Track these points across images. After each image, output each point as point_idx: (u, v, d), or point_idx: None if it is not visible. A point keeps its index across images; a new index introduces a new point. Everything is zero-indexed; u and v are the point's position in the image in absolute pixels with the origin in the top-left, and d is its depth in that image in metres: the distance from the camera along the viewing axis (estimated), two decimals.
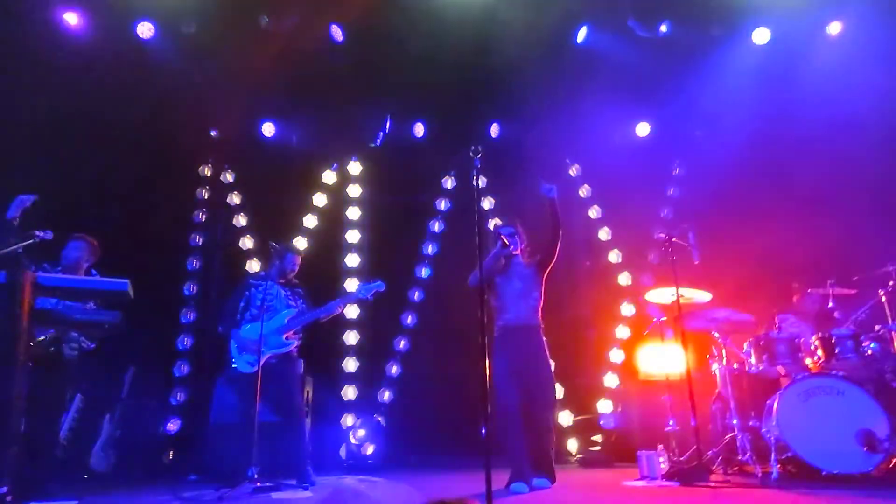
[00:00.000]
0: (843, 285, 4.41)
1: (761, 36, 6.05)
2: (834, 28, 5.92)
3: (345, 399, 6.00)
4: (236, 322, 4.24)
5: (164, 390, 5.81)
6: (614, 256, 6.67)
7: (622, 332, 6.34)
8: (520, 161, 6.45)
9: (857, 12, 5.71)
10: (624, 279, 6.55)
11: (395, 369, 6.18)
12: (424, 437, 5.87)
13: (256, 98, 6.49)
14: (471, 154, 2.82)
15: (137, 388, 5.28)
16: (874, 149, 5.32)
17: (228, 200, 6.75)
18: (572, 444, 5.85)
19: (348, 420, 5.80)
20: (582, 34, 6.13)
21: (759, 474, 3.81)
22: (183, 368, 5.95)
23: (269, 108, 6.74)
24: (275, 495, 3.40)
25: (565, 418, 5.99)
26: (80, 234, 4.03)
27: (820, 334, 4.10)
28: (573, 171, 7.02)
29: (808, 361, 4.11)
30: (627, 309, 6.42)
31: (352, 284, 6.31)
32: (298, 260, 4.51)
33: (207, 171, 6.81)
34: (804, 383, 3.84)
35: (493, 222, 4.32)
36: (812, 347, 4.12)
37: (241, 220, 6.67)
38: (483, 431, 2.36)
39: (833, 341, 4.02)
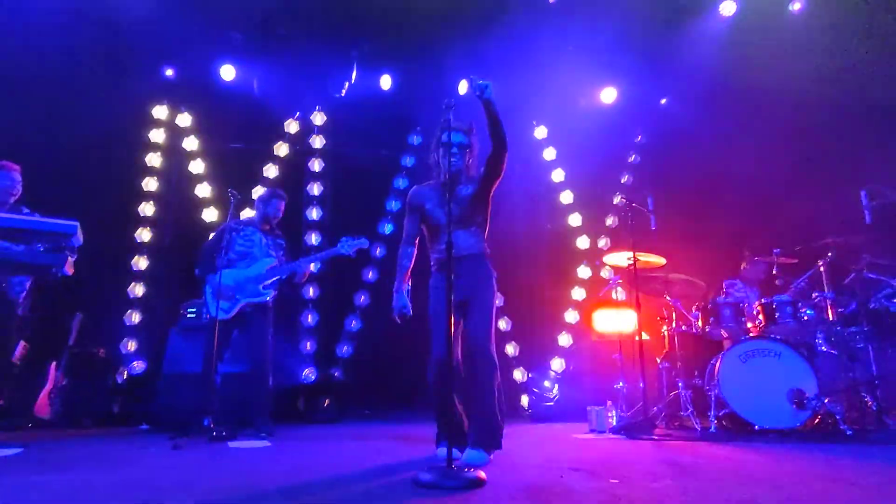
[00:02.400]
0: (787, 255, 4.65)
1: (728, 8, 6.13)
2: (796, 6, 6.05)
3: (304, 352, 6.01)
4: (214, 267, 4.11)
5: (115, 338, 5.66)
6: (575, 219, 6.79)
7: (578, 293, 6.52)
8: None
9: None
10: (583, 242, 6.70)
11: (354, 324, 6.20)
12: (381, 391, 5.97)
13: (216, 37, 6.17)
14: (444, 107, 2.77)
15: (86, 336, 5.13)
16: (826, 127, 5.54)
17: (184, 145, 6.48)
18: (525, 399, 6.07)
19: (308, 373, 5.82)
20: None
21: (699, 429, 4.07)
22: (134, 317, 5.80)
23: (230, 49, 6.43)
24: (232, 444, 3.41)
25: (519, 375, 6.19)
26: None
27: (762, 300, 4.34)
28: (539, 133, 7.03)
29: (749, 325, 4.35)
30: (584, 271, 6.59)
31: (314, 238, 6.24)
32: (283, 206, 4.39)
33: (162, 113, 6.49)
34: (745, 345, 4.08)
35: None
36: (755, 312, 4.36)
37: (196, 167, 6.43)
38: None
39: (774, 307, 4.27)
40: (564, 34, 6.17)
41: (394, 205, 6.61)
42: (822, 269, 4.33)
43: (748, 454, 3.15)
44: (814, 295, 4.30)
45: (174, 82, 6.52)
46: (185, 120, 6.53)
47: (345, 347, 6.13)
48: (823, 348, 4.28)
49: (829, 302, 4.22)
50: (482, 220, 3.21)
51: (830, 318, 4.22)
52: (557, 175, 6.92)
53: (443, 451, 2.57)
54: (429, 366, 3.00)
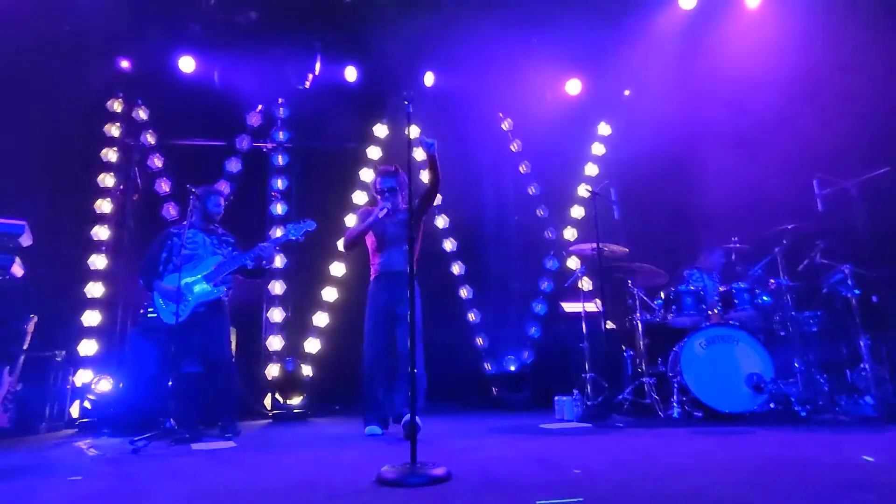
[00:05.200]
0: (744, 242, 4.78)
1: (688, 2, 6.23)
2: (752, 2, 6.18)
3: (270, 349, 5.92)
4: (158, 274, 4.02)
5: (73, 340, 5.48)
6: (541, 211, 6.84)
7: (546, 284, 6.59)
8: (454, 112, 6.39)
9: None
10: (549, 233, 6.76)
11: (322, 319, 6.14)
12: (350, 386, 5.92)
13: (174, 28, 5.99)
14: (403, 100, 2.75)
15: (42, 340, 4.95)
16: (780, 118, 5.69)
17: (142, 140, 6.28)
18: (494, 390, 6.11)
19: (273, 370, 5.74)
20: None
21: (663, 415, 4.17)
22: (91, 319, 5.62)
23: (189, 40, 6.24)
24: (195, 446, 3.34)
25: (488, 367, 6.23)
26: None
27: (721, 288, 4.45)
28: (506, 125, 7.05)
29: (710, 312, 4.45)
30: (552, 262, 6.65)
31: (278, 231, 6.12)
32: (223, 201, 4.30)
33: (117, 107, 6.27)
34: (705, 332, 4.19)
35: (371, 172, 4.18)
36: (714, 300, 4.47)
37: (156, 162, 6.25)
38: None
39: (732, 294, 4.39)
40: (529, 27, 6.18)
41: (360, 198, 6.54)
42: (777, 256, 4.46)
43: (709, 438, 3.23)
44: (770, 281, 4.43)
45: (130, 75, 6.31)
46: (142, 114, 6.33)
47: (313, 343, 6.06)
48: (780, 333, 4.42)
49: (784, 288, 4.36)
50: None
51: (786, 304, 4.35)
52: (524, 167, 6.95)
53: (371, 429, 3.66)
54: (364, 364, 3.76)
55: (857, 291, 4.18)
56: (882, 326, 4.30)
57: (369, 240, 4.01)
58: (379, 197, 3.97)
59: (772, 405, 3.96)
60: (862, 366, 4.10)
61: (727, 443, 3.06)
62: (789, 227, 4.42)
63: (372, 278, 3.98)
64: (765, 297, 4.37)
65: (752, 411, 3.93)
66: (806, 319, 4.34)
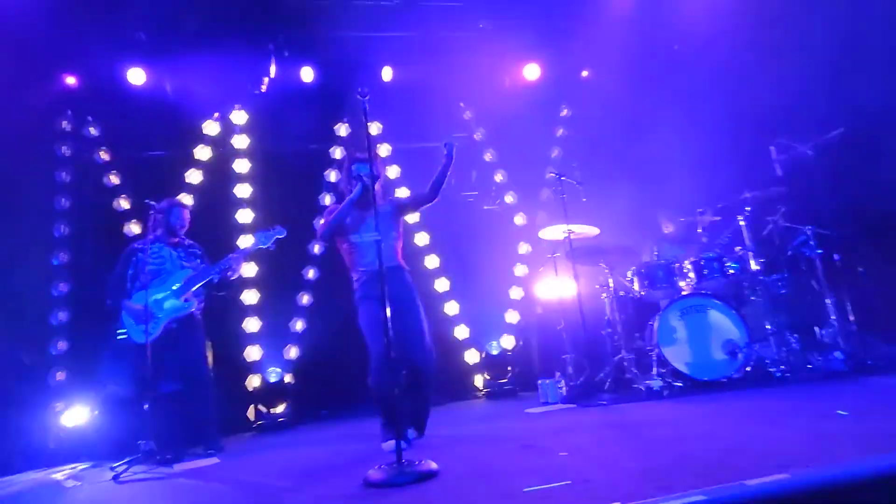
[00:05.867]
0: (709, 213, 4.86)
1: None
2: None
3: (248, 360, 5.83)
4: (126, 293, 3.91)
5: (42, 369, 5.30)
6: (510, 198, 6.85)
7: (520, 270, 6.62)
8: (414, 106, 6.34)
9: None
10: (520, 219, 6.78)
11: (299, 325, 6.06)
12: (335, 390, 5.88)
13: (120, 40, 5.80)
14: (357, 97, 2.70)
15: (10, 372, 4.78)
16: (738, 88, 5.80)
17: (96, 157, 6.08)
18: (479, 380, 6.14)
19: (254, 381, 5.65)
20: None
21: (644, 389, 4.24)
22: (60, 345, 5.44)
23: (137, 51, 6.04)
24: (178, 466, 3.27)
25: (471, 356, 6.25)
26: None
27: (691, 259, 4.53)
28: (467, 115, 7.03)
29: (681, 283, 4.53)
30: (524, 247, 6.68)
31: (246, 241, 6.01)
32: (187, 213, 4.20)
33: (67, 125, 6.05)
34: (679, 303, 4.26)
35: (343, 133, 3.74)
36: (685, 270, 4.54)
37: (112, 179, 6.05)
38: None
39: (702, 264, 4.47)
40: (483, 14, 6.16)
41: (327, 199, 6.46)
42: (742, 223, 4.55)
43: (689, 408, 3.30)
44: (737, 248, 4.53)
45: (78, 91, 6.08)
46: (93, 130, 6.12)
47: (293, 350, 5.99)
48: (750, 298, 4.53)
49: (751, 254, 4.45)
50: (397, 236, 3.63)
51: (754, 269, 4.45)
52: (489, 155, 6.95)
53: (390, 444, 2.80)
54: (372, 368, 3.28)
55: (819, 251, 4.31)
56: (845, 283, 4.43)
57: (344, 244, 3.57)
58: (364, 179, 3.45)
59: (748, 369, 4.06)
60: (829, 322, 4.23)
61: (707, 410, 3.12)
62: (751, 194, 4.51)
63: (356, 284, 3.51)
64: (733, 265, 4.46)
65: (730, 377, 4.02)
66: (774, 283, 4.44)
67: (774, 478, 1.55)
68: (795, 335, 4.27)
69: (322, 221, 3.61)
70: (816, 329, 4.41)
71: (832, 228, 4.51)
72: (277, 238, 4.09)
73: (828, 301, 4.22)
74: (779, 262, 4.53)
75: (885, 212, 5.10)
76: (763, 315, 4.38)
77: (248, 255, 4.25)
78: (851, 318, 4.30)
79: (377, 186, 3.36)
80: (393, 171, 6.40)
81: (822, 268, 4.25)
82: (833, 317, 4.19)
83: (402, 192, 3.74)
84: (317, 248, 6.28)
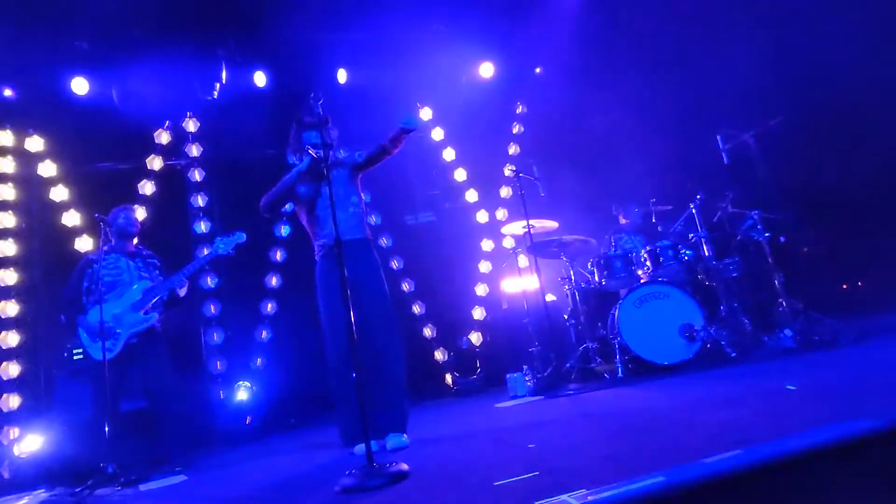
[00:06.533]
0: (662, 202, 5.03)
1: None
2: None
3: (214, 372, 5.72)
4: (82, 307, 3.77)
5: None
6: (471, 195, 6.91)
7: (485, 266, 6.69)
8: (371, 107, 6.32)
9: None
10: (482, 216, 6.85)
11: (265, 334, 5.98)
12: (302, 397, 5.82)
13: (60, 49, 5.59)
14: (311, 102, 2.69)
15: None
16: (682, 81, 6.01)
17: (40, 172, 5.84)
18: (448, 378, 6.18)
19: (220, 393, 5.55)
20: None
21: (608, 376, 4.36)
22: (11, 370, 5.21)
23: (78, 59, 5.83)
24: (144, 486, 3.19)
25: (440, 355, 6.28)
26: None
27: (647, 248, 4.68)
28: (425, 113, 7.05)
29: (639, 272, 4.67)
30: (488, 244, 6.76)
31: (206, 252, 5.88)
32: (135, 215, 4.08)
33: (6, 139, 5.79)
34: (637, 292, 4.39)
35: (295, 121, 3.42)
36: (642, 260, 4.68)
37: (60, 194, 5.83)
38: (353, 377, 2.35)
39: (657, 252, 4.62)
40: (435, 14, 6.18)
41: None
42: (693, 210, 4.72)
43: (651, 392, 3.41)
44: (690, 236, 4.69)
45: (16, 103, 5.83)
46: (36, 144, 5.88)
47: (258, 359, 5.90)
48: (705, 283, 4.70)
49: (703, 240, 4.63)
50: (359, 202, 3.35)
51: (707, 255, 4.62)
52: (448, 154, 6.99)
53: (361, 448, 2.61)
54: (329, 362, 3.05)
55: (766, 234, 4.50)
56: (792, 264, 4.66)
57: (302, 211, 3.33)
58: (311, 151, 3.27)
59: (705, 351, 4.22)
60: (779, 302, 4.44)
61: (666, 394, 3.24)
62: (700, 182, 4.68)
63: (317, 257, 3.23)
64: (687, 252, 4.62)
65: (688, 359, 4.17)
66: (726, 266, 4.62)
67: (729, 454, 1.64)
68: (748, 316, 4.47)
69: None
70: (767, 309, 4.61)
71: (777, 212, 4.73)
72: (238, 243, 4.02)
73: (776, 282, 4.42)
74: (729, 247, 4.72)
75: (825, 193, 5.39)
76: (717, 299, 4.56)
77: (209, 262, 4.17)
78: (798, 296, 4.51)
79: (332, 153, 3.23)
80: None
81: (770, 250, 4.44)
82: (781, 297, 4.39)
83: (352, 153, 3.46)
84: (278, 255, 6.21)
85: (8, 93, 5.80)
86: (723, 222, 4.83)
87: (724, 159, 4.76)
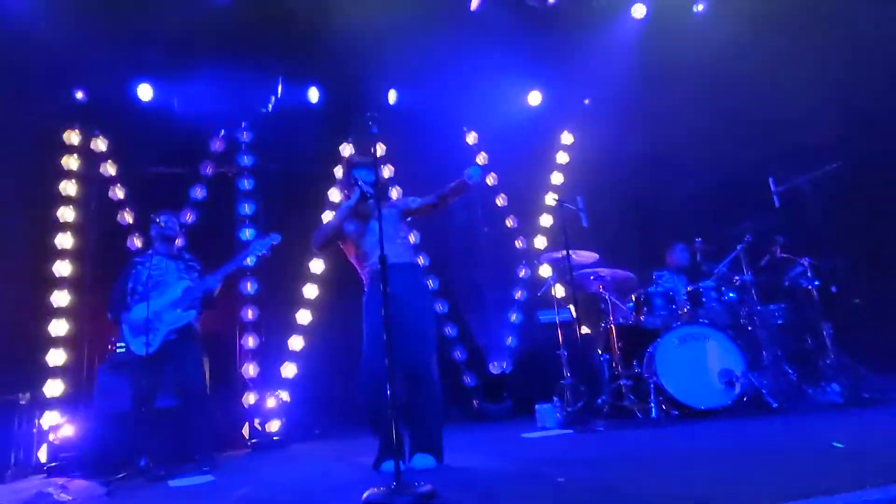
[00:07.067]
0: (708, 242, 4.92)
1: (639, 11, 6.45)
2: (699, 7, 6.45)
3: (246, 376, 5.81)
4: (126, 305, 3.93)
5: (38, 382, 5.28)
6: (510, 222, 6.92)
7: (519, 293, 6.65)
8: (418, 128, 6.44)
9: None
10: (520, 243, 6.84)
11: (297, 343, 6.06)
12: (330, 408, 5.86)
13: (129, 56, 5.91)
14: (367, 121, 2.75)
15: (4, 383, 4.76)
16: (736, 119, 5.91)
17: (102, 171, 6.14)
18: (476, 403, 6.12)
19: (250, 398, 5.63)
20: (475, 1, 6.17)
21: (641, 415, 4.23)
22: (57, 357, 5.42)
23: (145, 68, 6.15)
24: (172, 483, 3.25)
25: (468, 379, 6.24)
26: None
27: (689, 287, 4.57)
28: (471, 138, 7.13)
29: (680, 312, 4.56)
30: (524, 271, 6.72)
31: (249, 259, 6.03)
32: (178, 221, 4.24)
33: (74, 138, 6.13)
34: (677, 331, 4.28)
35: (347, 154, 3.32)
36: (683, 299, 4.58)
37: (117, 193, 6.11)
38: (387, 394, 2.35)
39: (700, 293, 4.50)
40: (487, 41, 6.29)
41: (328, 217, 6.51)
42: (740, 253, 4.59)
43: (685, 436, 3.30)
44: (735, 278, 4.56)
45: (86, 105, 6.17)
46: (100, 144, 6.19)
47: (289, 367, 5.98)
48: (748, 328, 4.55)
49: (748, 283, 4.49)
50: (406, 235, 3.36)
51: (751, 299, 4.48)
52: (490, 179, 7.03)
53: (389, 465, 2.61)
54: (364, 378, 3.00)
55: (816, 283, 4.34)
56: (842, 315, 4.47)
57: (349, 249, 3.33)
58: (362, 187, 3.22)
59: (744, 399, 4.06)
60: (826, 354, 4.25)
61: (702, 439, 3.13)
62: (750, 225, 4.57)
63: (366, 284, 3.24)
64: (731, 294, 4.49)
65: (726, 406, 4.02)
66: (771, 313, 4.47)
67: None
68: (792, 366, 4.29)
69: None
70: (813, 360, 4.42)
71: (829, 260, 4.56)
72: (273, 244, 4.13)
73: (825, 332, 4.24)
74: (776, 293, 4.57)
75: (881, 245, 5.18)
76: (760, 345, 4.39)
77: (244, 262, 4.27)
78: (847, 349, 4.32)
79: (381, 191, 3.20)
80: (394, 194, 6.48)
81: (819, 299, 4.28)
82: (830, 348, 4.21)
83: (406, 197, 3.52)
84: (317, 267, 6.32)
85: (79, 95, 6.15)
86: (770, 267, 4.68)
87: (776, 202, 4.63)
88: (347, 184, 3.37)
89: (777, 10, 5.51)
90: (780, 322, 4.46)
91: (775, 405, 3.95)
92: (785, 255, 4.61)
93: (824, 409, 3.83)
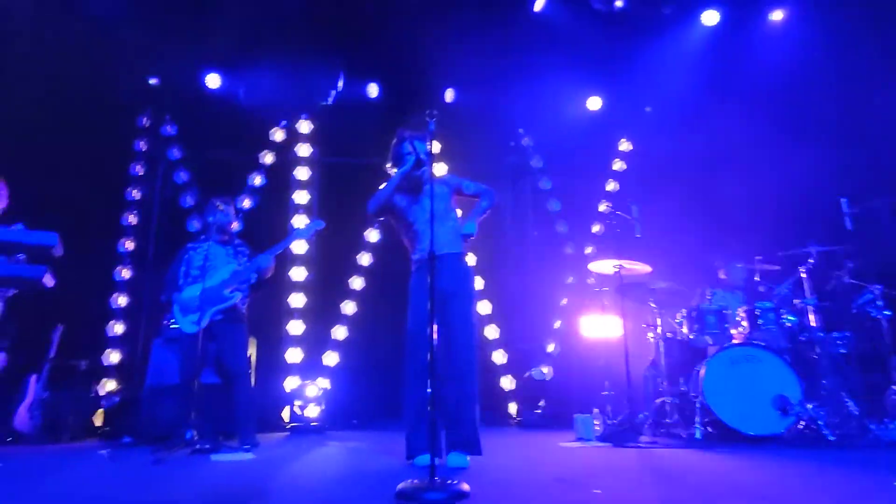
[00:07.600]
0: (768, 262, 4.69)
1: (710, 18, 6.23)
2: (777, 15, 6.17)
3: (289, 362, 5.96)
4: (178, 287, 4.10)
5: (97, 350, 5.58)
6: (561, 227, 6.81)
7: (565, 300, 6.53)
8: (474, 128, 6.43)
9: (799, 3, 5.95)
10: (569, 249, 6.72)
11: (341, 333, 6.16)
12: (369, 399, 5.93)
13: (201, 46, 6.16)
14: (426, 118, 2.76)
15: (67, 348, 5.05)
16: (807, 135, 5.61)
17: (169, 154, 6.44)
18: (513, 408, 6.06)
19: (292, 383, 5.77)
20: (539, 2, 6.11)
21: (685, 436, 4.08)
22: (116, 328, 5.72)
23: (215, 58, 6.41)
24: (214, 457, 3.36)
25: (507, 383, 6.18)
26: None
27: (745, 307, 4.37)
28: (526, 141, 7.07)
29: (733, 331, 4.37)
30: (571, 279, 6.61)
31: (299, 246, 6.20)
32: (233, 211, 4.37)
33: (146, 122, 6.45)
34: (729, 352, 4.10)
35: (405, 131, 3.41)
36: (738, 318, 4.38)
37: (182, 176, 6.39)
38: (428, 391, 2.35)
39: (757, 313, 4.30)
40: (549, 43, 6.22)
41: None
42: (803, 275, 4.36)
43: (733, 462, 3.16)
44: (796, 301, 4.34)
45: (159, 90, 6.49)
46: (169, 129, 6.49)
47: (331, 356, 6.08)
48: (807, 354, 4.31)
49: (811, 308, 4.26)
50: (456, 218, 3.38)
51: (813, 324, 4.25)
52: (544, 183, 6.95)
53: (423, 458, 2.66)
54: (407, 369, 3.05)
55: (887, 313, 4.08)
56: None
57: (401, 228, 3.39)
58: (420, 155, 3.29)
59: (799, 428, 3.85)
60: (893, 389, 3.98)
61: (751, 466, 2.98)
62: (817, 247, 4.32)
63: (413, 269, 3.31)
64: (790, 317, 4.27)
65: (778, 434, 3.82)
66: (834, 341, 4.23)
67: None
68: (854, 398, 4.03)
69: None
70: (878, 394, 4.15)
71: None
72: (317, 229, 4.22)
73: (892, 366, 3.97)
74: (841, 320, 4.31)
75: None
76: (820, 374, 4.15)
77: (289, 244, 4.38)
78: None
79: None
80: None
81: (889, 330, 4.01)
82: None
83: (462, 178, 3.53)
84: (365, 260, 6.40)
85: (153, 82, 6.47)
86: (836, 292, 4.42)
87: (848, 224, 4.37)
88: (399, 155, 3.41)
89: (862, 15, 5.20)
90: (843, 351, 4.20)
91: (832, 438, 3.72)
92: (853, 281, 4.35)
93: (888, 446, 3.59)
